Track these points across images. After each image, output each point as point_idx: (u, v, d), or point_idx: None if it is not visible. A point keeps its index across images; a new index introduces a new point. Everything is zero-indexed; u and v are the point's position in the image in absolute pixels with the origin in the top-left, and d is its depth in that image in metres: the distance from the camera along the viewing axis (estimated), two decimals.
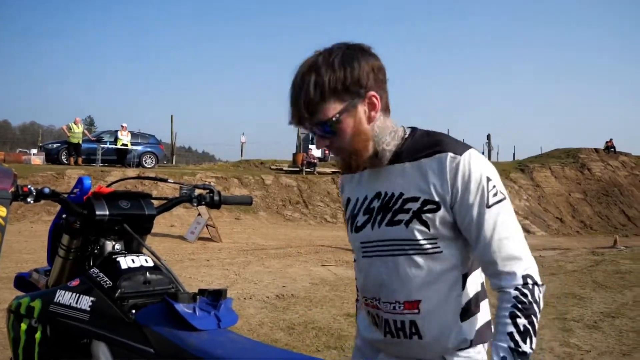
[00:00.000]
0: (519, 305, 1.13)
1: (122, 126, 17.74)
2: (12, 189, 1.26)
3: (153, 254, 1.39)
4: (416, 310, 1.21)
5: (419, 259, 1.20)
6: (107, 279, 1.30)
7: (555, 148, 27.20)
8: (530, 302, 1.13)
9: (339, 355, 3.82)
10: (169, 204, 1.64)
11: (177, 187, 1.74)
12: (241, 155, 24.35)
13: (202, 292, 1.22)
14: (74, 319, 1.29)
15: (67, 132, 16.60)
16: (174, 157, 23.15)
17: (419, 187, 1.19)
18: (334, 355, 3.83)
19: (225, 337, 1.12)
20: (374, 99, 1.19)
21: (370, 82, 1.18)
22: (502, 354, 1.11)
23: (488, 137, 27.58)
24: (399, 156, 1.24)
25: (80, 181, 1.45)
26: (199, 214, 10.20)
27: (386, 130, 1.23)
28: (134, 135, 18.33)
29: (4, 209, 1.21)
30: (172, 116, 22.26)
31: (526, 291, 1.14)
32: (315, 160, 19.68)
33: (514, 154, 29.33)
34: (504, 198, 1.18)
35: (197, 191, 1.72)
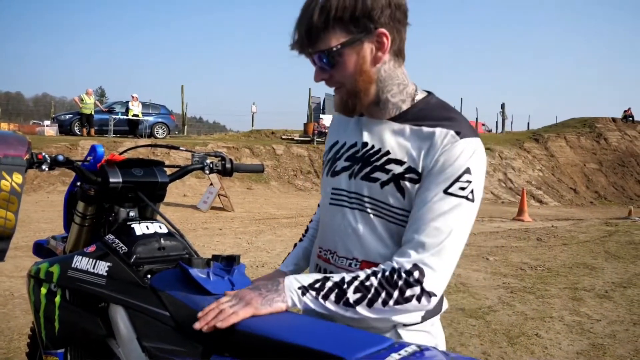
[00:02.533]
0: (382, 275, 1.05)
1: (133, 96, 17.75)
2: (27, 157, 1.28)
3: (166, 220, 1.41)
4: None
5: (385, 224, 1.14)
6: (122, 245, 1.33)
7: (571, 117, 26.78)
8: (394, 284, 1.04)
9: None
10: (182, 172, 1.65)
11: (189, 156, 1.75)
12: (252, 126, 24.31)
13: (215, 257, 1.24)
14: (92, 283, 1.32)
15: (79, 103, 16.66)
16: (185, 127, 23.19)
17: (407, 152, 1.11)
18: None
19: None
20: (384, 38, 1.08)
21: (384, 19, 1.07)
22: (336, 278, 1.06)
23: (502, 106, 27.18)
24: (402, 116, 1.16)
25: (93, 149, 1.47)
26: (211, 184, 10.28)
27: (394, 79, 1.15)
28: (145, 105, 18.36)
29: (20, 176, 1.23)
30: (182, 86, 22.22)
31: (402, 276, 1.04)
32: (326, 130, 19.59)
33: (528, 124, 28.93)
34: (471, 200, 1.06)
35: (209, 159, 1.73)
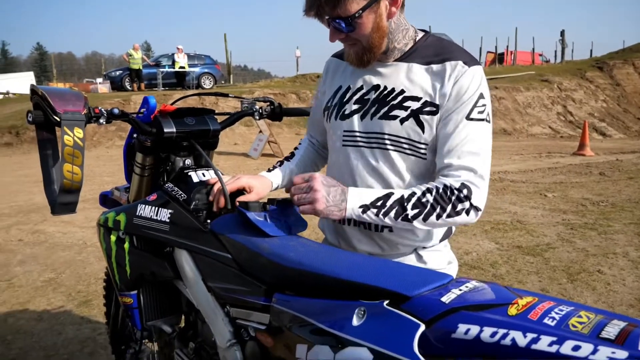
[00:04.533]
0: (437, 192, 1.15)
1: (178, 48, 17.88)
2: (85, 111, 1.32)
3: (214, 169, 1.43)
4: None
5: (404, 158, 1.24)
6: (181, 192, 1.37)
7: None
8: (448, 199, 1.14)
9: None
10: (232, 119, 1.67)
11: (237, 104, 1.76)
12: (297, 70, 24.06)
13: (271, 201, 1.27)
14: (156, 229, 1.39)
15: (127, 58, 16.97)
16: (231, 76, 23.26)
17: (422, 88, 1.20)
18: None
19: (297, 242, 1.17)
20: None
21: None
22: (397, 196, 1.16)
23: (562, 33, 25.40)
24: (407, 55, 1.24)
25: (145, 101, 1.50)
26: (260, 131, 10.39)
27: (400, 27, 1.23)
28: (190, 57, 18.47)
29: (80, 130, 1.28)
30: (225, 35, 22.08)
31: (455, 192, 1.14)
32: None
33: (591, 51, 26.92)
34: (487, 121, 1.18)
35: (258, 104, 1.74)
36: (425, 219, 1.15)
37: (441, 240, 1.35)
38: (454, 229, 1.41)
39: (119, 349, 2.06)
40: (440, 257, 1.35)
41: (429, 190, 1.15)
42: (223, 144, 11.33)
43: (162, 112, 1.47)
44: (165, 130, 1.43)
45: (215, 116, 1.59)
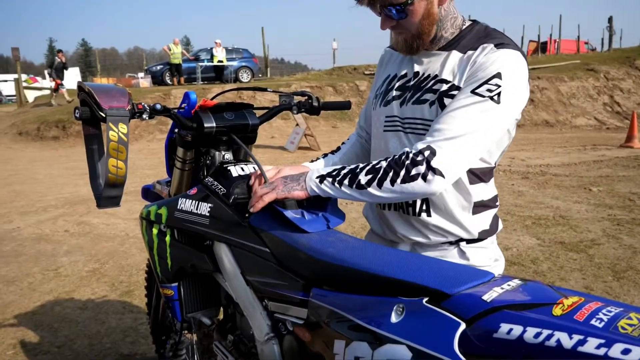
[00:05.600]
0: (392, 158, 1.14)
1: (216, 42, 18.11)
2: (129, 107, 1.35)
3: (256, 162, 1.44)
4: None
5: None
6: (221, 186, 1.39)
7: None
8: (401, 163, 1.11)
9: None
10: (271, 113, 1.68)
11: (275, 98, 1.77)
12: (334, 63, 23.97)
13: None
14: (196, 223, 1.42)
15: (168, 52, 17.32)
16: (268, 69, 23.41)
17: (452, 72, 1.20)
18: None
19: (335, 237, 1.17)
20: None
21: None
22: (352, 166, 1.18)
23: (609, 20, 24.33)
24: (451, 44, 1.24)
25: (186, 96, 1.52)
26: (297, 125, 10.43)
27: (449, 14, 1.24)
28: (228, 51, 18.69)
29: (125, 126, 1.32)
30: (262, 28, 22.21)
31: (409, 156, 1.11)
32: None
33: None
34: (496, 102, 1.11)
35: (296, 98, 1.74)
36: (379, 185, 1.13)
37: (486, 236, 1.32)
38: (500, 224, 1.37)
39: (159, 339, 2.12)
40: (485, 254, 1.32)
41: (385, 159, 1.16)
42: (260, 137, 11.37)
43: (202, 108, 1.49)
44: (206, 125, 1.46)
45: (254, 111, 1.60)
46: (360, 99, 15.67)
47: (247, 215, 1.29)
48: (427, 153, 1.10)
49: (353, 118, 14.63)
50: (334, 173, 1.19)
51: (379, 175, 1.13)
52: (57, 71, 15.80)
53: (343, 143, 1.61)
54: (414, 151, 1.11)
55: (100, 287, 3.49)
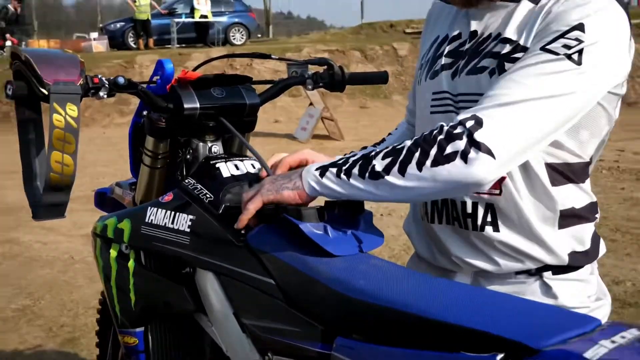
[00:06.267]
0: (421, 135, 1.12)
1: None
2: (81, 82, 1.36)
3: (258, 158, 1.44)
4: (497, 190, 1.23)
5: None
6: (206, 191, 1.39)
7: None
8: (433, 139, 1.08)
9: None
10: (276, 89, 1.68)
11: (282, 68, 1.77)
12: (362, 17, 24.01)
13: (330, 205, 1.26)
14: (172, 242, 1.41)
15: (132, 5, 17.52)
16: (270, 27, 23.56)
17: (519, 29, 1.21)
18: None
19: (368, 264, 1.16)
20: None
21: None
22: (365, 151, 1.19)
23: None
24: None
25: (160, 65, 1.52)
26: (311, 104, 10.47)
27: None
28: (214, 2, 18.84)
29: (75, 107, 1.32)
30: None
31: (444, 129, 1.08)
32: None
33: None
34: (576, 62, 1.08)
35: (311, 68, 1.73)
36: (401, 170, 1.08)
37: (582, 262, 1.29)
38: (602, 247, 1.35)
39: None
40: (581, 290, 1.30)
41: (411, 138, 1.14)
42: (259, 122, 11.34)
43: (181, 81, 1.50)
44: (186, 105, 1.46)
45: (252, 86, 1.60)
46: (400, 67, 15.68)
47: (242, 231, 1.29)
48: (469, 123, 1.06)
49: (390, 95, 14.64)
50: (340, 162, 1.18)
51: (401, 158, 1.10)
52: (8, 24, 16.15)
53: (389, 134, 1.61)
54: (451, 124, 1.09)
55: (33, 332, 3.50)
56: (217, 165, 1.45)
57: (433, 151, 1.07)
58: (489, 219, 1.27)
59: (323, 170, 1.18)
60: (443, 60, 1.33)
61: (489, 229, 1.27)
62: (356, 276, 1.10)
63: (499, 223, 1.26)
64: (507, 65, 1.18)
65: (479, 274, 1.31)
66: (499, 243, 1.27)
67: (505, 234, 1.26)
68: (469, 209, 1.28)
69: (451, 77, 1.30)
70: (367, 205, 1.29)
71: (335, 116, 10.73)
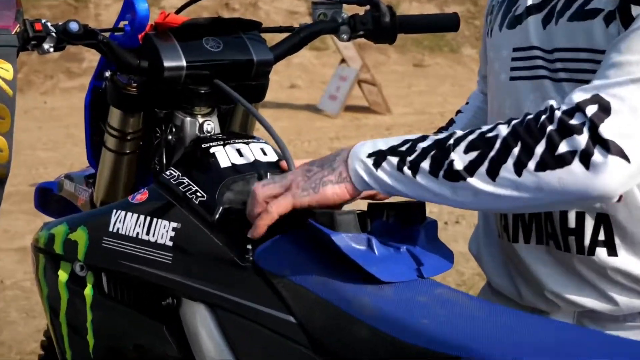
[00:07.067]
0: (521, 121, 1.10)
1: None
2: (18, 29, 1.37)
3: (273, 134, 1.44)
4: None
5: None
6: (195, 187, 1.40)
7: None
8: (539, 129, 1.06)
9: None
10: (296, 40, 1.68)
11: (302, 9, 1.77)
12: None
13: (376, 208, 1.27)
14: (147, 261, 1.43)
15: None
16: None
17: None
18: None
19: (430, 294, 1.17)
20: None
21: None
22: (440, 136, 1.17)
23: None
24: None
25: (129, 5, 1.52)
26: (343, 60, 10.46)
27: None
28: None
29: (9, 66, 1.34)
30: None
31: (555, 114, 1.06)
32: None
33: None
34: None
35: (346, 9, 1.73)
36: (492, 173, 1.08)
37: None
38: None
39: None
40: None
41: (507, 122, 1.12)
42: (269, 88, 11.42)
43: (159, 29, 1.51)
44: (167, 64, 1.47)
45: (262, 35, 1.61)
46: (473, 7, 15.59)
47: (249, 246, 1.30)
48: (591, 110, 1.04)
49: (458, 48, 14.58)
50: (402, 147, 1.17)
51: (492, 153, 1.09)
52: None
53: (459, 112, 1.64)
54: (564, 107, 1.07)
55: None
56: (211, 151, 1.45)
57: (539, 149, 1.06)
58: (601, 237, 1.27)
59: (378, 157, 1.17)
60: (528, 2, 1.33)
61: (601, 252, 1.27)
62: (414, 313, 1.11)
63: (617, 243, 1.27)
64: (634, 8, 1.15)
65: (584, 314, 1.32)
66: (616, 272, 1.27)
67: (625, 259, 1.27)
68: (572, 223, 1.28)
69: (542, 24, 1.30)
70: (428, 208, 1.29)
71: (379, 79, 10.71)
